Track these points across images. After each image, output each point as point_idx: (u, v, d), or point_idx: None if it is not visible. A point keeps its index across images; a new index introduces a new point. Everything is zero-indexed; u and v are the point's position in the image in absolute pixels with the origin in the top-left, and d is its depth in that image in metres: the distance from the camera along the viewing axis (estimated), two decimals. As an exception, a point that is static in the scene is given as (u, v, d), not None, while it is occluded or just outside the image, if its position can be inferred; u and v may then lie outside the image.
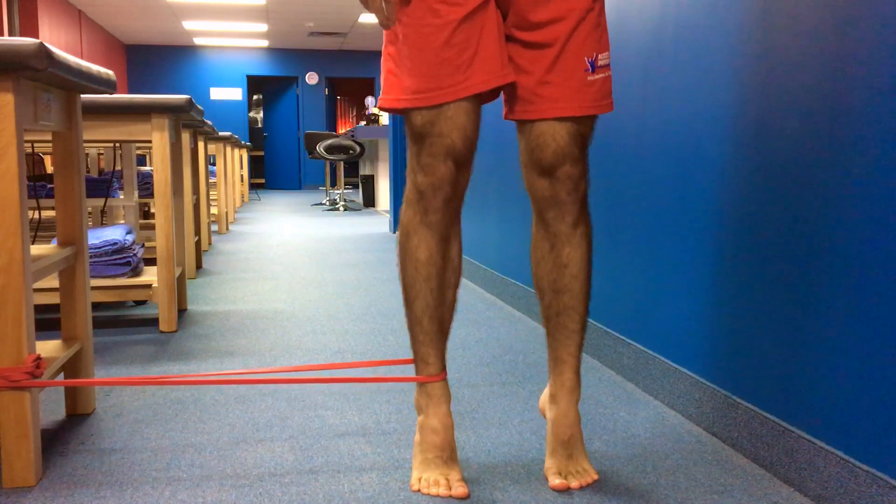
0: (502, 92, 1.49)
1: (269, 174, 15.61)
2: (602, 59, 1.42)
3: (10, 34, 8.36)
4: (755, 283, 1.60)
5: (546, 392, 1.59)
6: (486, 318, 3.00)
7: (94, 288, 2.67)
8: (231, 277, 4.04)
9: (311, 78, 15.08)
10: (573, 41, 1.39)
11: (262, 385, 2.10)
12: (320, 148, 9.19)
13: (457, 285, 1.52)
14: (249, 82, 15.12)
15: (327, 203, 10.07)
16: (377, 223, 7.37)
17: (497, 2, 1.41)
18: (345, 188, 14.35)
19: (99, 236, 2.78)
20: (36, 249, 1.73)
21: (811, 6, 1.43)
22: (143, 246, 3.01)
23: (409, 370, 1.58)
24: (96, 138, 2.68)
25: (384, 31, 1.46)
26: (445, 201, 1.43)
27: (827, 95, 1.39)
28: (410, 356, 1.55)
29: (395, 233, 6.28)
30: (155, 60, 14.32)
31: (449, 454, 1.48)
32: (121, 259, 2.75)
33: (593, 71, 1.41)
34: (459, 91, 1.37)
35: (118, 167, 4.71)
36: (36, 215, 3.83)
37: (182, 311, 3.15)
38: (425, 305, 1.47)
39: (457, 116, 1.39)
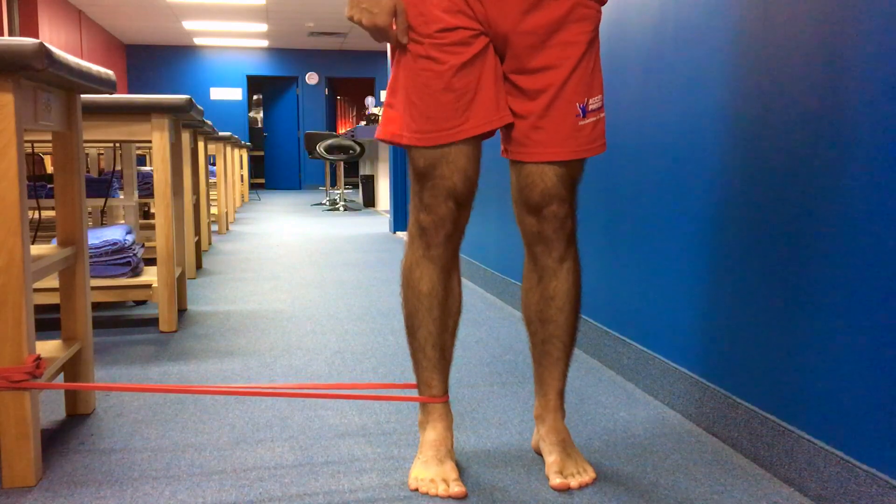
0: (499, 130, 1.52)
1: (269, 174, 15.60)
2: (594, 103, 1.45)
3: (10, 34, 8.36)
4: (755, 282, 1.60)
5: (535, 433, 1.63)
6: (486, 318, 3.00)
7: (94, 288, 2.67)
8: (231, 277, 4.04)
9: (311, 78, 15.07)
10: (566, 88, 1.42)
11: (262, 385, 2.10)
12: (320, 148, 9.19)
13: (458, 313, 1.56)
14: (249, 82, 15.11)
15: (327, 203, 10.06)
16: (377, 223, 7.37)
17: (495, 47, 1.43)
18: (345, 188, 14.34)
19: (99, 236, 2.78)
20: (36, 249, 1.73)
21: (810, 6, 1.43)
22: (143, 246, 3.01)
23: (413, 392, 1.61)
24: (96, 138, 2.68)
25: (391, 64, 1.48)
26: (447, 237, 1.48)
27: (826, 95, 1.39)
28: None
29: (394, 233, 6.28)
30: (155, 60, 14.32)
31: (445, 453, 1.50)
32: (121, 259, 2.75)
33: (584, 116, 1.44)
34: (456, 134, 1.41)
35: (118, 167, 4.71)
36: (36, 215, 3.83)
37: (182, 311, 3.14)
38: (428, 334, 1.52)
39: (458, 160, 1.43)
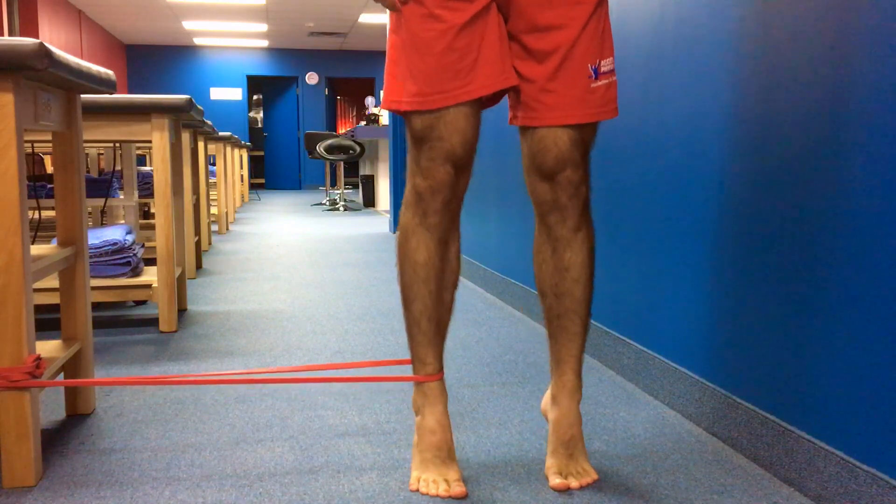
0: (507, 97, 1.49)
1: (269, 174, 15.60)
2: (605, 66, 1.42)
3: (10, 34, 8.36)
4: (755, 282, 1.60)
5: (548, 394, 1.59)
6: (486, 318, 3.00)
7: (94, 288, 2.67)
8: (231, 277, 4.04)
9: (311, 78, 15.08)
10: (576, 49, 1.39)
11: (262, 385, 2.10)
12: (320, 148, 9.19)
13: (455, 286, 1.53)
14: (249, 82, 15.11)
15: (327, 203, 10.06)
16: (377, 223, 7.37)
17: (499, 5, 1.41)
18: (345, 188, 14.34)
19: (99, 236, 2.78)
20: (36, 249, 1.73)
21: (811, 5, 1.43)
22: (143, 246, 3.01)
23: (408, 370, 1.59)
24: (96, 138, 2.68)
25: (389, 34, 1.46)
26: (444, 204, 1.44)
27: (827, 95, 1.39)
28: (409, 355, 1.55)
29: (395, 233, 6.28)
30: (155, 60, 14.32)
31: (447, 453, 1.48)
32: (121, 259, 2.75)
33: (596, 77, 1.41)
34: (461, 95, 1.38)
35: (118, 167, 4.71)
36: (36, 215, 3.83)
37: (182, 311, 3.14)
38: (423, 307, 1.48)
39: (456, 121, 1.39)
